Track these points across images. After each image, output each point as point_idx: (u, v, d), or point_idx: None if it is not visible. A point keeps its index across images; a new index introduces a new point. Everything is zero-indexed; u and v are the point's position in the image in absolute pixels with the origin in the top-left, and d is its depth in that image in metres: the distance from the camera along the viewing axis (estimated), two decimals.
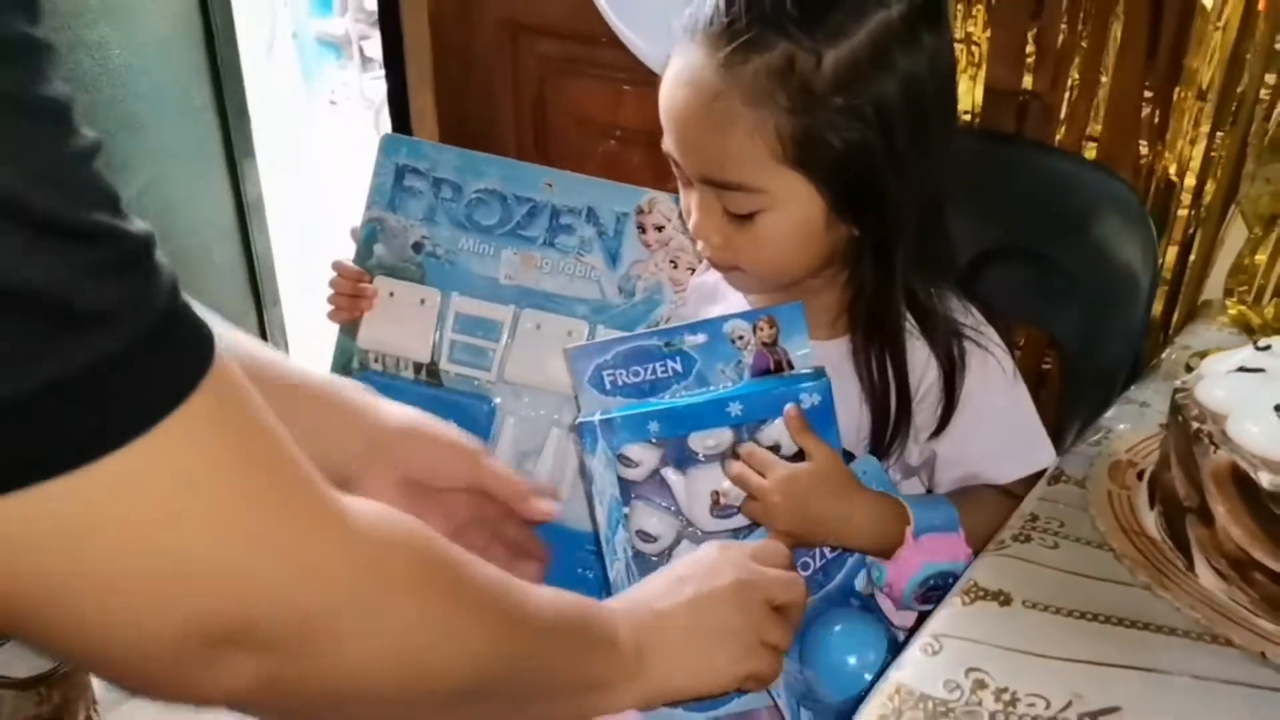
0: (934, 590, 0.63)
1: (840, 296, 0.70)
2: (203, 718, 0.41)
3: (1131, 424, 0.67)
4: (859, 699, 0.49)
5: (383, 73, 1.54)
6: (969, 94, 0.96)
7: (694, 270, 0.81)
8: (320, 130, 2.69)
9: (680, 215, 0.80)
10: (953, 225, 0.68)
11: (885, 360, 0.67)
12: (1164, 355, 0.78)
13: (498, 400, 0.87)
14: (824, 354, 0.67)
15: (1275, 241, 0.81)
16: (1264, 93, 0.80)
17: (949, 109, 0.68)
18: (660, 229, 0.84)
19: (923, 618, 0.56)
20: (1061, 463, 0.64)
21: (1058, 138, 0.93)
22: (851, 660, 0.65)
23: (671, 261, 0.83)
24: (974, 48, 0.94)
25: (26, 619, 0.32)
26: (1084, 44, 0.90)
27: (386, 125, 1.57)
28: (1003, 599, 0.52)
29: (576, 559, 0.81)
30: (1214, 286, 0.87)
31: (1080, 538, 0.57)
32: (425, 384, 0.88)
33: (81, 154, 0.30)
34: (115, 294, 0.30)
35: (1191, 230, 0.86)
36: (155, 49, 1.42)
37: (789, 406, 0.64)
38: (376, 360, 0.89)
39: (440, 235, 0.87)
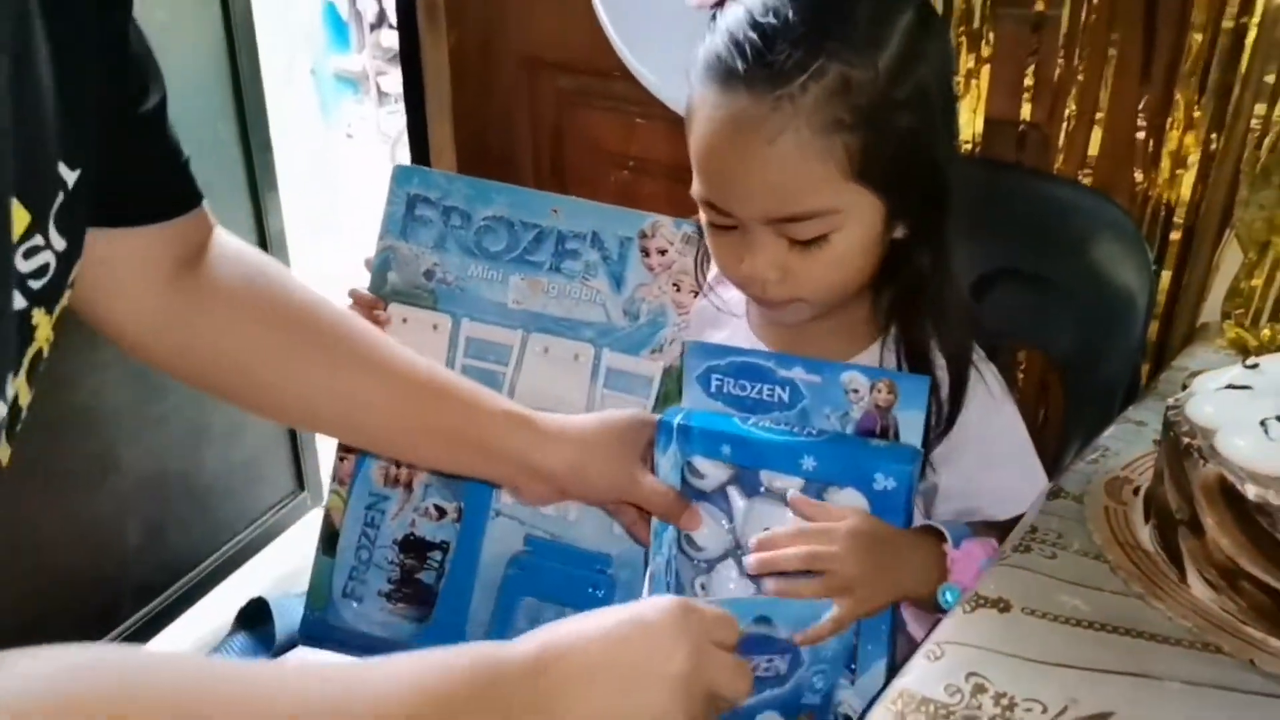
0: None
1: (863, 310, 0.71)
2: None
3: (1129, 442, 0.69)
4: None
5: (399, 107, 1.58)
6: (970, 124, 0.99)
7: (696, 293, 0.84)
8: (338, 163, 2.75)
9: (682, 239, 0.83)
10: (956, 250, 0.70)
11: (921, 360, 0.69)
12: (1162, 377, 0.80)
13: None
14: None
15: (1270, 265, 0.83)
16: (1254, 122, 0.83)
17: (954, 83, 0.71)
18: (663, 253, 0.86)
19: None
20: (1061, 479, 0.66)
21: (1056, 166, 0.96)
22: None
23: (674, 285, 0.85)
24: (975, 81, 0.97)
25: None
26: (1080, 77, 0.93)
27: (402, 158, 1.61)
28: (1002, 606, 0.54)
29: (587, 579, 0.82)
30: (1212, 309, 0.89)
31: (1077, 549, 0.58)
32: None
33: None
34: None
35: (1186, 254, 0.88)
36: (185, 86, 1.46)
37: (792, 494, 0.63)
38: None
39: (450, 262, 0.89)
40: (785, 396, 0.65)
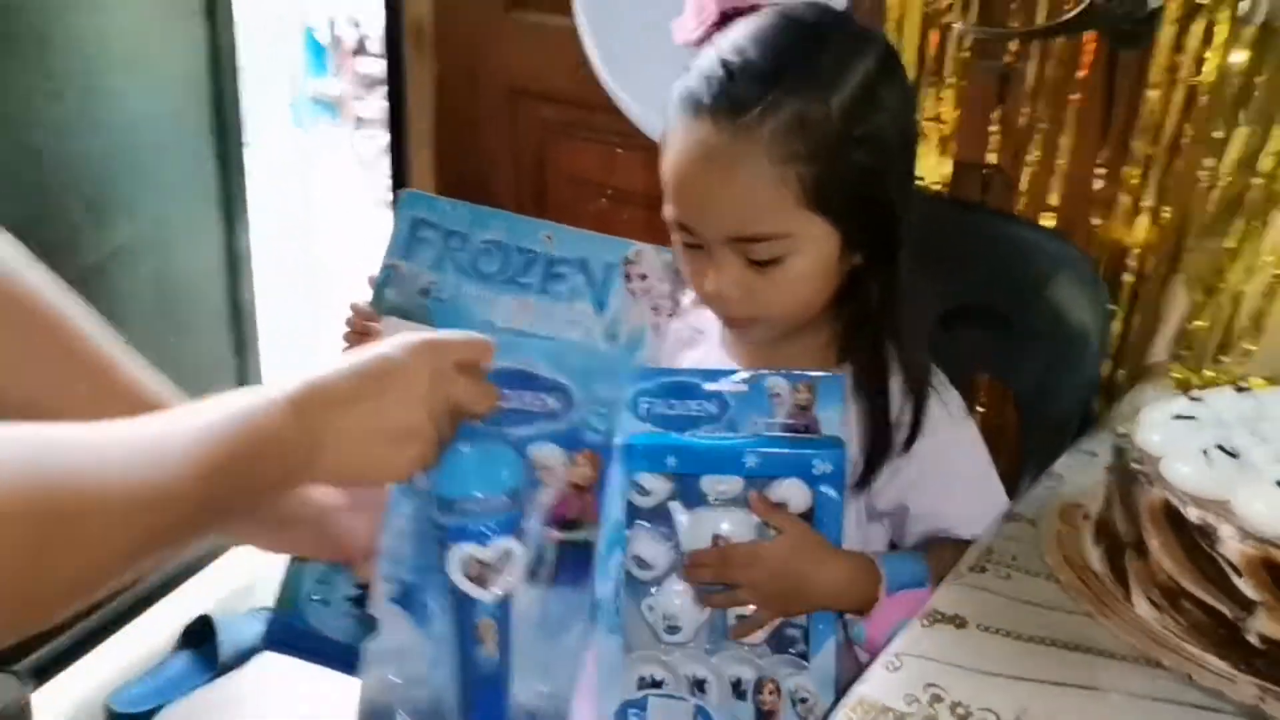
0: None
1: (827, 334, 0.75)
2: None
3: (1081, 471, 0.72)
4: None
5: (374, 133, 1.60)
6: (939, 167, 1.03)
7: (672, 316, 0.87)
8: (312, 186, 2.76)
9: (662, 266, 0.86)
10: (921, 285, 0.73)
11: (874, 384, 0.72)
12: (1112, 412, 0.83)
13: None
14: None
15: (1214, 309, 0.88)
16: (1203, 174, 0.88)
17: (916, 132, 0.77)
18: (644, 278, 0.88)
19: None
20: (1016, 504, 0.69)
21: (1019, 208, 1.00)
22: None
23: (653, 308, 0.88)
24: (943, 125, 1.02)
25: None
26: (1043, 125, 0.97)
27: (377, 181, 1.62)
28: (959, 622, 0.57)
29: None
30: (1159, 349, 0.93)
31: (1031, 570, 0.61)
32: None
33: None
34: None
35: (1137, 297, 0.93)
36: (164, 102, 1.48)
37: (753, 494, 0.66)
38: None
39: (446, 281, 0.92)
40: (714, 409, 0.68)
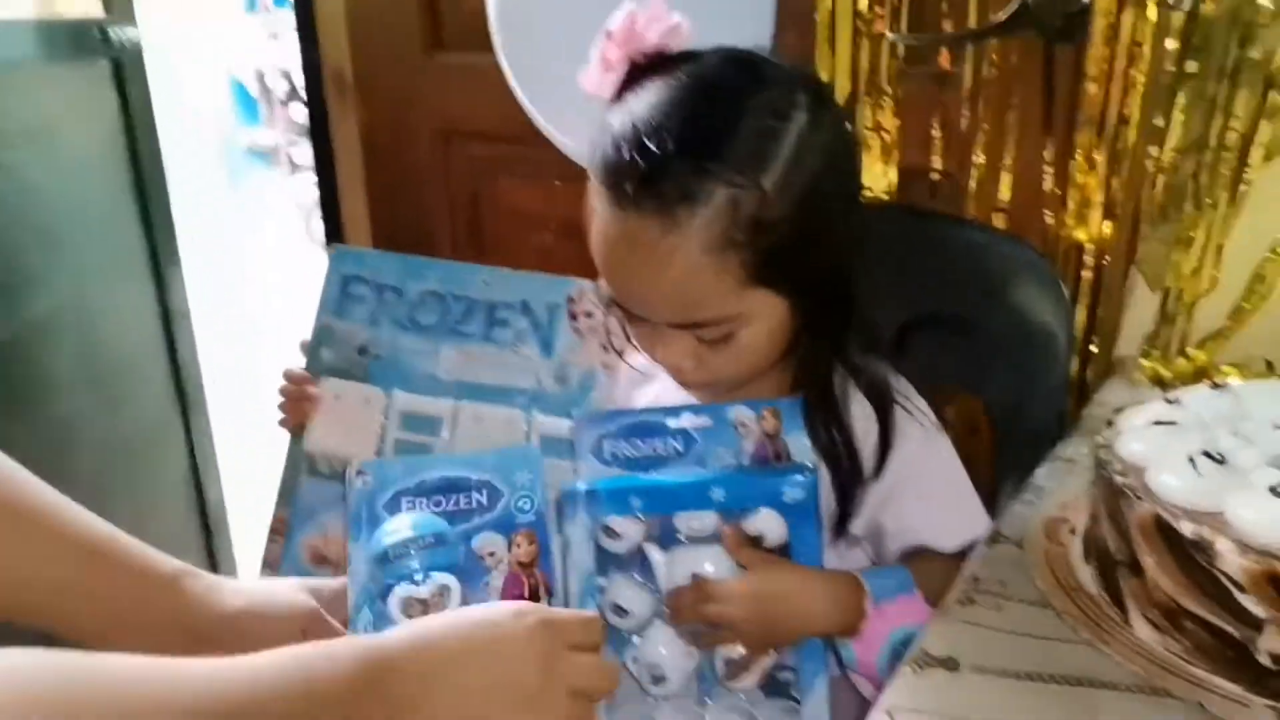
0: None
1: (784, 374, 0.72)
2: None
3: (1061, 481, 0.69)
4: None
5: (312, 178, 1.56)
6: (884, 176, 1.01)
7: (622, 352, 0.83)
8: (250, 236, 2.70)
9: (606, 302, 0.82)
10: (878, 297, 0.71)
11: (830, 419, 0.70)
12: (1085, 412, 0.81)
13: None
14: None
15: (1175, 298, 0.86)
16: (1148, 163, 0.86)
17: (857, 161, 0.73)
18: (590, 315, 0.86)
19: None
20: (999, 524, 0.66)
21: (969, 213, 0.98)
22: None
23: (602, 346, 0.85)
24: (885, 135, 0.99)
25: None
26: (985, 126, 0.96)
27: (316, 228, 1.58)
28: (951, 665, 0.53)
29: None
30: (1127, 343, 0.91)
31: (1022, 598, 0.58)
32: None
33: None
34: None
35: (1099, 291, 0.91)
36: (75, 169, 1.43)
37: (726, 528, 0.64)
38: (325, 465, 0.89)
39: (382, 337, 0.90)
40: (679, 446, 0.67)
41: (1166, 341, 0.87)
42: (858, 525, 0.72)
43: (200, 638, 0.61)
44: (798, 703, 0.65)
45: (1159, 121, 0.85)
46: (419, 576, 0.60)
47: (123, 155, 1.50)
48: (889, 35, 0.95)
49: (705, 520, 0.65)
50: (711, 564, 0.64)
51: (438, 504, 0.63)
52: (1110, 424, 0.62)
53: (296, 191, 3.17)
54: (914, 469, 0.70)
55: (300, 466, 0.89)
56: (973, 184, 0.97)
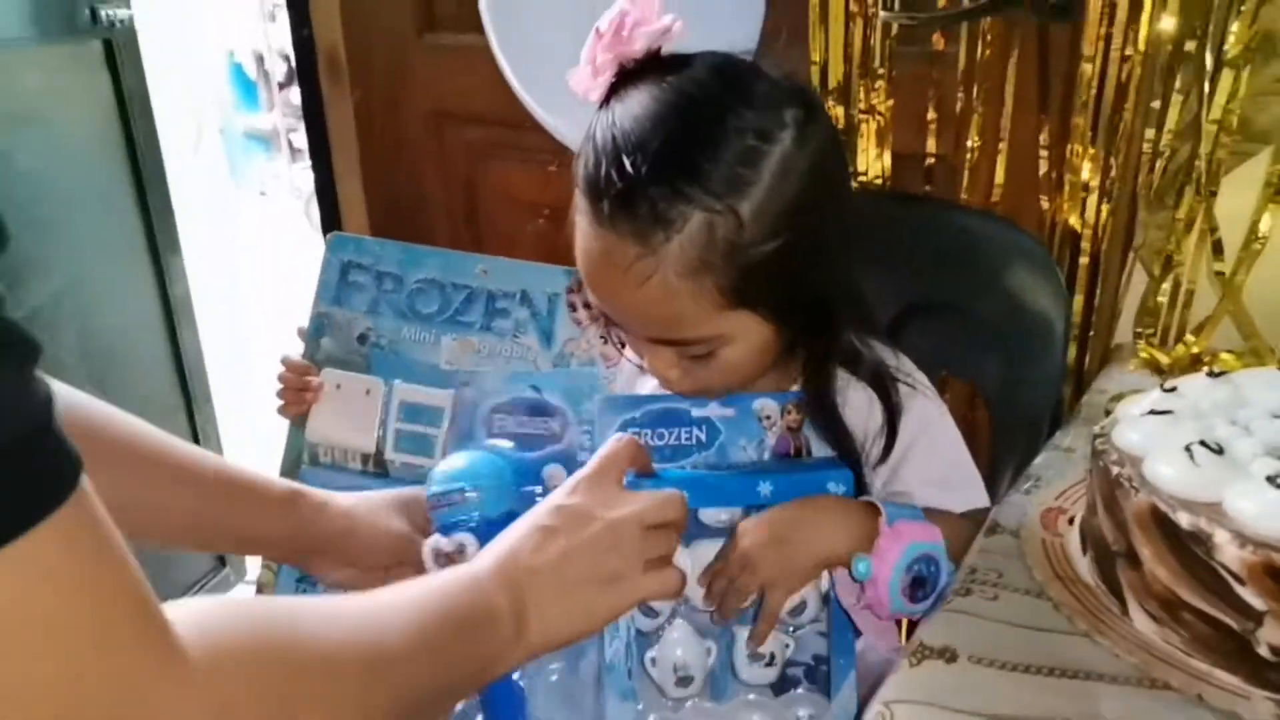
0: (919, 584, 0.62)
1: (785, 371, 0.71)
2: None
3: (1058, 470, 0.69)
4: None
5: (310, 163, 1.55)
6: (878, 160, 1.00)
7: (624, 345, 0.83)
8: (250, 222, 2.69)
9: None
10: (873, 284, 0.71)
11: (830, 418, 0.69)
12: (1083, 400, 0.80)
13: None
14: None
15: (1173, 284, 0.85)
16: (1145, 146, 0.85)
17: (846, 167, 0.72)
18: (589, 306, 0.86)
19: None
20: (996, 513, 0.66)
21: (963, 196, 0.97)
22: None
23: (602, 337, 0.85)
24: (879, 117, 0.98)
25: None
26: (980, 108, 0.95)
27: (317, 214, 1.58)
28: (949, 656, 0.53)
29: None
30: (1124, 330, 0.91)
31: (1019, 588, 0.58)
32: (372, 474, 0.89)
33: None
34: None
35: (1096, 277, 0.90)
36: (68, 154, 1.41)
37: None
38: (325, 454, 0.89)
39: (383, 326, 0.90)
40: (703, 436, 0.67)
41: (1165, 328, 0.87)
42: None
43: (309, 549, 0.70)
44: (816, 692, 0.66)
45: (1155, 103, 0.85)
46: (446, 530, 0.64)
47: (118, 140, 1.49)
48: (882, 14, 0.94)
49: (732, 511, 0.66)
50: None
51: (520, 425, 0.69)
52: (1108, 412, 0.62)
53: (295, 177, 3.15)
54: (919, 435, 0.70)
55: (301, 455, 0.90)
56: (967, 168, 0.96)
